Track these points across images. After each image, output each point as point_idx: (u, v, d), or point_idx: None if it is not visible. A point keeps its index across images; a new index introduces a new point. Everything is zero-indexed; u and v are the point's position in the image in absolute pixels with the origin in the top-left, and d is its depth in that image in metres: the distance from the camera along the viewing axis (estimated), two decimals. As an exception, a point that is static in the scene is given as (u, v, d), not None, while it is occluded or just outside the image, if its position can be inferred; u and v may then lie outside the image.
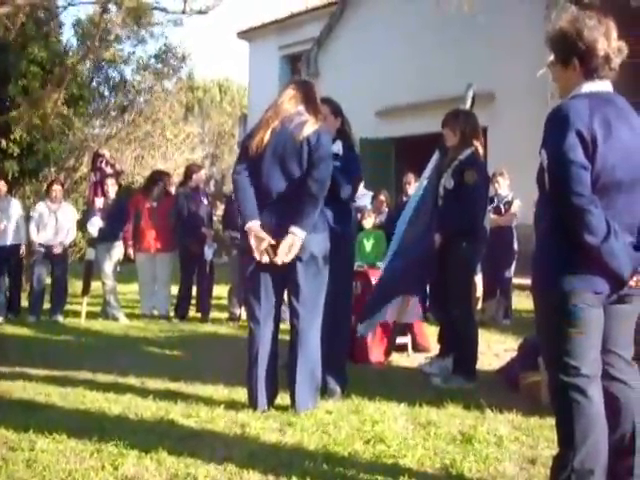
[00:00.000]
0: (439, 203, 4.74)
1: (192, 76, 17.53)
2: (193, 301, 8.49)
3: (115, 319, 7.99)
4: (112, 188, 8.40)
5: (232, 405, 4.00)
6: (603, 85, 2.47)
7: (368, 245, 8.30)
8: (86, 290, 8.19)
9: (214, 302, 8.60)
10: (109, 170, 8.48)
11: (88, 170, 9.35)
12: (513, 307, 7.94)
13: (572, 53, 2.47)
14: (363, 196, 9.63)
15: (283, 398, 4.03)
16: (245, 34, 19.82)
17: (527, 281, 2.55)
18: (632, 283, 2.38)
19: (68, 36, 13.86)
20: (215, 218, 9.26)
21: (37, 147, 10.28)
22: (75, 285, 9.46)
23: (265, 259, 3.83)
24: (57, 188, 8.58)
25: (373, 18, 15.02)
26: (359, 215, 8.86)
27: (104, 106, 15.59)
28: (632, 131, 2.39)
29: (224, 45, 47.60)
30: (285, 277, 3.98)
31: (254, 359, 3.97)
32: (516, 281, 8.13)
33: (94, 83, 15.18)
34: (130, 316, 8.22)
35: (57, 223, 8.30)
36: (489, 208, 7.74)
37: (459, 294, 4.67)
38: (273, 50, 18.61)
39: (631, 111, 2.46)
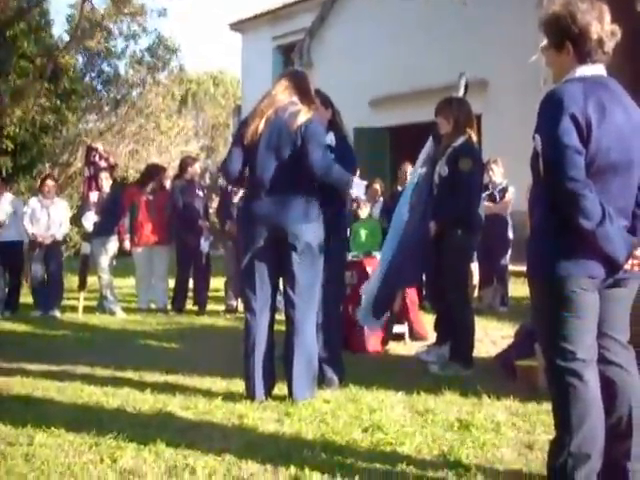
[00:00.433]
0: (434, 191, 4.74)
1: (183, 68, 17.47)
2: (190, 294, 8.49)
3: (112, 313, 7.98)
4: (106, 182, 8.38)
5: (230, 396, 4.00)
6: (597, 69, 2.46)
7: (363, 235, 8.31)
8: (83, 285, 8.17)
9: (211, 294, 8.60)
10: (103, 164, 8.43)
11: (82, 165, 9.30)
12: (510, 294, 7.94)
13: (565, 37, 2.46)
14: (357, 186, 9.64)
15: (281, 389, 4.03)
16: (237, 25, 19.74)
17: (523, 268, 2.54)
18: (627, 267, 2.38)
19: (61, 32, 13.86)
20: (211, 210, 9.25)
21: (31, 143, 10.24)
22: (71, 280, 9.44)
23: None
24: (50, 183, 8.55)
25: (365, 8, 14.97)
26: (354, 205, 8.88)
27: (97, 100, 15.53)
28: (626, 114, 2.38)
29: (217, 37, 47.49)
30: (280, 267, 3.98)
31: (250, 350, 3.97)
32: (512, 268, 8.14)
33: (87, 78, 15.11)
34: (127, 310, 8.21)
35: (49, 218, 8.27)
36: (483, 196, 7.76)
37: (455, 282, 4.67)
38: (266, 41, 18.54)
39: (624, 94, 2.45)
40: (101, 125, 16.65)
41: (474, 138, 4.69)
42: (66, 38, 14.80)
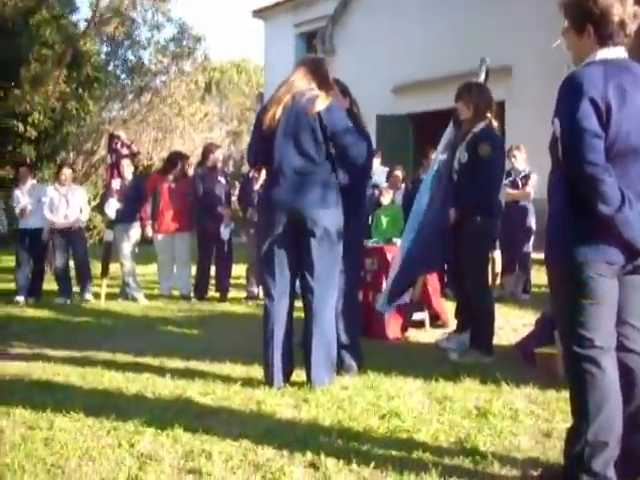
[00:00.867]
0: (454, 177, 4.69)
1: (208, 57, 17.46)
2: (212, 281, 8.52)
3: (134, 300, 8.05)
4: (128, 169, 8.43)
5: (248, 382, 4.01)
6: (618, 52, 2.41)
7: (385, 222, 8.28)
8: (105, 272, 8.24)
9: (233, 281, 8.62)
10: (125, 151, 8.48)
11: (105, 153, 9.36)
12: (532, 282, 7.87)
13: (586, 19, 2.41)
14: (379, 173, 9.61)
15: (299, 375, 4.04)
16: (260, 13, 19.71)
17: (545, 255, 2.50)
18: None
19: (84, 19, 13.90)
20: (234, 198, 9.25)
21: (53, 131, 10.32)
22: (94, 267, 9.53)
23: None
24: (66, 171, 8.62)
25: (388, -7, 14.84)
26: (376, 192, 8.85)
27: (121, 88, 15.59)
28: (648, 98, 2.33)
29: (240, 25, 47.47)
30: (299, 254, 3.98)
31: (269, 336, 3.98)
32: (535, 256, 8.05)
33: (111, 66, 15.18)
34: (149, 297, 8.27)
35: (68, 206, 8.35)
36: (506, 182, 7.67)
37: (475, 269, 4.64)
38: (288, 28, 18.48)
39: (646, 78, 2.40)
40: (124, 113, 16.73)
41: (494, 124, 4.64)
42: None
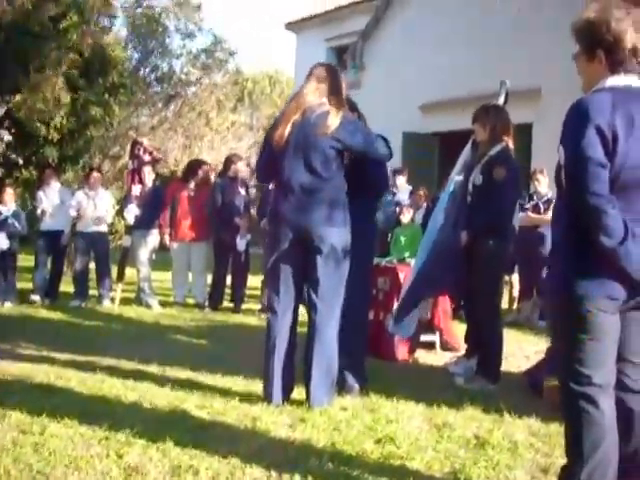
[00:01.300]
0: (468, 199, 4.62)
1: (240, 70, 17.58)
2: (229, 291, 8.50)
3: (148, 306, 8.05)
4: (149, 176, 8.46)
5: (247, 398, 3.96)
6: (629, 79, 2.33)
7: (403, 240, 8.19)
8: (121, 276, 8.27)
9: (249, 292, 8.59)
10: (147, 158, 8.52)
11: (128, 158, 9.43)
12: (550, 309, 7.71)
13: (598, 45, 2.34)
14: (404, 190, 9.53)
15: (300, 392, 3.98)
16: (293, 25, 19.80)
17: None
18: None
19: (118, 25, 14.12)
20: (254, 209, 9.23)
21: (76, 134, 10.43)
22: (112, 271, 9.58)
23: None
24: (96, 175, 8.71)
25: (418, 12, 14.79)
26: (397, 210, 8.78)
27: (150, 95, 15.74)
28: (658, 127, 2.25)
29: (273, 37, 47.88)
30: (305, 270, 3.93)
31: (271, 351, 3.93)
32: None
33: (141, 72, 15.33)
34: (164, 304, 8.26)
35: (95, 209, 8.41)
36: (527, 206, 7.57)
37: (486, 293, 4.54)
38: (320, 42, 18.51)
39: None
40: (154, 120, 16.88)
41: (511, 146, 4.56)
42: (123, 32, 15.11)
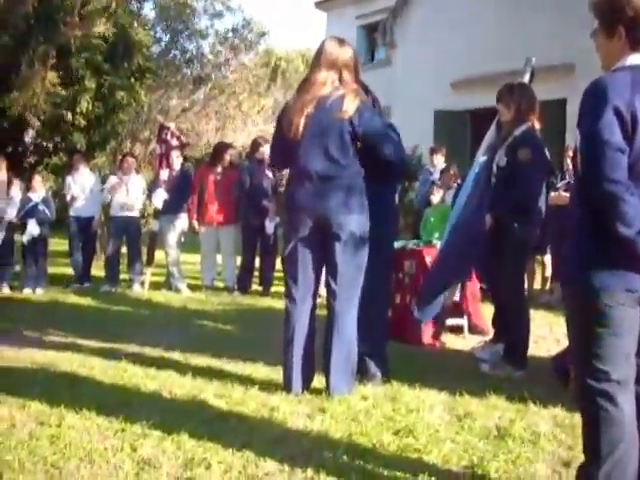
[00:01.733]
0: (492, 181, 4.47)
1: (271, 50, 17.42)
2: (257, 274, 8.48)
3: (177, 290, 8.07)
4: (177, 160, 8.45)
5: (267, 386, 3.92)
6: (651, 57, 2.20)
7: (432, 221, 8.06)
8: (150, 260, 8.31)
9: (277, 275, 8.55)
10: (174, 142, 8.49)
11: (155, 143, 9.42)
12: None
13: (618, 21, 2.21)
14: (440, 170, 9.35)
15: (321, 381, 3.91)
16: (323, 4, 19.65)
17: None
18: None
19: (146, 10, 14.10)
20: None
21: (103, 119, 10.46)
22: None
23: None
24: (130, 160, 8.77)
25: (450, -14, 14.49)
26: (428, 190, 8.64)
27: (180, 78, 15.70)
28: (680, 108, 2.11)
29: (304, 16, 47.40)
30: (324, 257, 3.86)
31: (290, 340, 3.88)
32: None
33: (171, 55, 15.27)
34: (193, 287, 8.28)
35: (128, 194, 8.45)
36: (560, 185, 7.36)
37: (511, 278, 4.42)
38: (350, 20, 18.32)
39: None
40: (185, 103, 16.85)
41: (537, 126, 4.39)
42: (151, 15, 15.06)
